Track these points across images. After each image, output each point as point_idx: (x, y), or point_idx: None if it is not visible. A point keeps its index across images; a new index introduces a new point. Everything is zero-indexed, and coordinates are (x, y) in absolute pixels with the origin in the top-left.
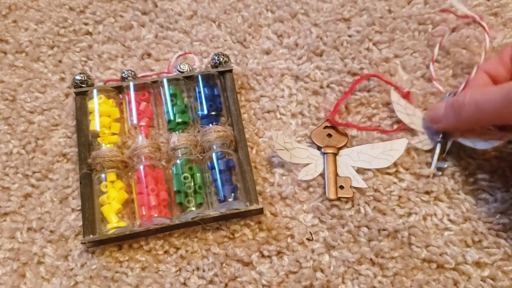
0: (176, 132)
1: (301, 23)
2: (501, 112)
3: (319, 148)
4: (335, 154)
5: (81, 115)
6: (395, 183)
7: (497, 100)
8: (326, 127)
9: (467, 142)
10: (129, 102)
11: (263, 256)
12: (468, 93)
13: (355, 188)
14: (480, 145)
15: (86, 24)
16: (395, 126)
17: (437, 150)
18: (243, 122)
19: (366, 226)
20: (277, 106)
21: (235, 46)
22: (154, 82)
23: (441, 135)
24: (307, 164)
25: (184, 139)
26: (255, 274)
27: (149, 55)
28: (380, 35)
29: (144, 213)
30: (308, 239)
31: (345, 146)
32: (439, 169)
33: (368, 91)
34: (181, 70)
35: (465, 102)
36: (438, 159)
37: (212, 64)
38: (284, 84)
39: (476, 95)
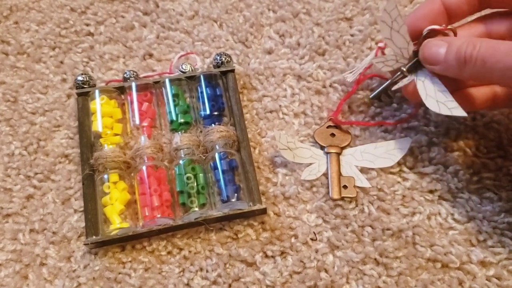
0: (179, 132)
1: (303, 22)
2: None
3: (322, 147)
4: (338, 154)
5: (83, 116)
6: (399, 182)
7: (508, 62)
8: (329, 126)
9: (422, 92)
10: (131, 102)
11: (266, 256)
12: (476, 46)
13: (359, 187)
14: (429, 102)
15: (87, 25)
16: (398, 126)
17: (394, 77)
18: (246, 122)
19: (370, 226)
20: (280, 105)
21: (237, 46)
22: (156, 82)
23: (406, 67)
24: (310, 164)
25: (186, 139)
26: (259, 274)
27: (150, 55)
28: None
29: (147, 213)
30: (312, 239)
31: (348, 145)
32: (376, 98)
33: (371, 90)
34: (183, 70)
35: (472, 57)
36: (386, 89)
37: (214, 64)
38: (286, 83)
39: (484, 51)
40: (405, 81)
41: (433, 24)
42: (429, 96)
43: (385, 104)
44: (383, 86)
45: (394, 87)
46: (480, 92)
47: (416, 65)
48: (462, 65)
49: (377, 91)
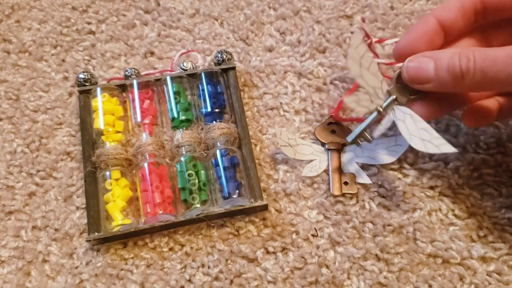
0: (180, 129)
1: (303, 20)
2: None
3: (323, 144)
4: (339, 150)
5: (85, 113)
6: (399, 178)
7: (509, 69)
8: (330, 123)
9: (405, 133)
10: (133, 100)
11: (268, 252)
12: (471, 57)
13: (360, 184)
14: (415, 142)
15: (89, 23)
16: None
17: (370, 118)
18: (247, 119)
19: (371, 222)
20: (281, 103)
21: (238, 44)
22: (158, 80)
23: (382, 106)
24: (311, 161)
25: (188, 136)
26: (260, 270)
27: (152, 53)
28: (383, 32)
29: (148, 210)
30: (313, 235)
31: (349, 143)
32: (354, 142)
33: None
34: (184, 68)
35: (469, 70)
36: (363, 131)
37: (215, 62)
38: (287, 81)
39: (482, 62)
40: (384, 123)
41: (429, 45)
42: (413, 136)
43: (374, 144)
44: (360, 128)
45: (376, 133)
46: (491, 103)
47: (393, 103)
48: (458, 80)
49: (353, 134)
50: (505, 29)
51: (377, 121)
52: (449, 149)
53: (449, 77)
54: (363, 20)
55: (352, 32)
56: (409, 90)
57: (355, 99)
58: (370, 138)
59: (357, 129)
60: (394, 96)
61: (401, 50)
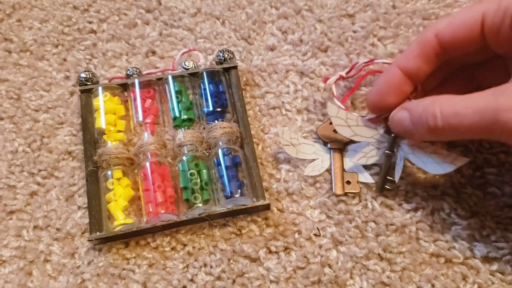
0: (182, 129)
1: (305, 19)
2: (485, 134)
3: (325, 143)
4: (341, 150)
5: (86, 112)
6: (402, 177)
7: (478, 124)
8: (332, 122)
9: (419, 163)
10: (135, 99)
11: (270, 252)
12: (438, 114)
13: (362, 183)
14: (431, 168)
15: (90, 22)
16: None
17: (385, 165)
18: (249, 119)
19: (374, 221)
20: (283, 102)
21: (240, 43)
22: (159, 79)
23: (388, 149)
24: (314, 160)
25: (189, 135)
26: (263, 270)
27: (153, 52)
28: (385, 31)
29: (150, 209)
30: (315, 234)
31: (351, 141)
32: (382, 189)
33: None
34: (186, 67)
35: (438, 126)
36: (386, 176)
37: (217, 61)
38: (289, 80)
39: (451, 118)
40: (399, 162)
41: (399, 95)
42: (428, 163)
43: (393, 189)
44: (382, 175)
45: (397, 176)
46: None
47: (397, 141)
48: (432, 134)
49: (379, 183)
50: (471, 58)
51: (391, 161)
52: (462, 161)
53: (424, 131)
54: (325, 81)
55: (354, 31)
56: None
57: (361, 155)
58: (395, 180)
59: (380, 179)
60: (393, 135)
61: (373, 103)
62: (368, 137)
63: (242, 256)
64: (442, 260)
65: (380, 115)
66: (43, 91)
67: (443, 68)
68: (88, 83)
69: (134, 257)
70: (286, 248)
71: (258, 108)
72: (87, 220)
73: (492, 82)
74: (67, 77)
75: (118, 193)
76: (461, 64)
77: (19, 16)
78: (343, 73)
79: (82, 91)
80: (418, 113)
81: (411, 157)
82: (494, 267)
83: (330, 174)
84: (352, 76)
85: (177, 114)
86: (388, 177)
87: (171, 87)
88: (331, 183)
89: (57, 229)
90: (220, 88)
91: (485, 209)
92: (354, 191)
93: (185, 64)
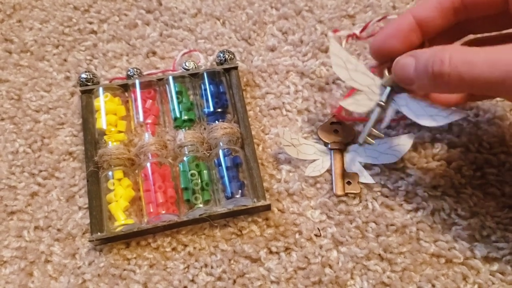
0: (183, 129)
1: (305, 20)
2: (492, 89)
3: (325, 144)
4: (342, 150)
5: (87, 113)
6: (402, 178)
7: (487, 76)
8: (332, 123)
9: (411, 115)
10: (135, 100)
11: (271, 252)
12: (447, 60)
13: (363, 183)
14: (424, 121)
15: (90, 23)
16: (401, 122)
17: (375, 115)
18: (249, 119)
19: (374, 222)
20: (283, 102)
21: (240, 44)
22: (160, 80)
23: (381, 100)
24: (314, 160)
25: (190, 136)
26: (264, 270)
27: (154, 53)
28: None
29: (151, 210)
30: (316, 235)
31: (351, 142)
32: (364, 142)
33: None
34: (187, 67)
35: (445, 72)
36: (373, 126)
37: (217, 61)
38: (289, 80)
39: (460, 66)
40: (389, 114)
41: (405, 43)
42: (420, 115)
43: (376, 143)
44: (367, 128)
45: (383, 125)
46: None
47: (392, 94)
48: (433, 82)
49: (363, 135)
50: (488, 26)
51: (381, 115)
52: (459, 115)
53: (426, 79)
54: (335, 32)
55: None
56: None
57: (352, 101)
58: (382, 134)
59: (365, 130)
60: (391, 87)
61: (377, 48)
62: (363, 85)
63: (243, 257)
64: (443, 260)
65: (381, 62)
66: (43, 92)
67: (456, 33)
68: (89, 83)
69: (135, 258)
70: (286, 249)
71: (259, 108)
72: (88, 221)
73: None
74: (67, 78)
75: (119, 193)
76: (475, 32)
77: (19, 16)
78: (357, 32)
79: (82, 92)
80: (424, 58)
81: (404, 109)
82: (495, 267)
83: (331, 174)
84: (365, 38)
85: (178, 115)
86: (373, 130)
87: (172, 88)
88: (332, 183)
89: (58, 230)
90: (221, 88)
91: (485, 210)
92: (355, 192)
93: (185, 65)
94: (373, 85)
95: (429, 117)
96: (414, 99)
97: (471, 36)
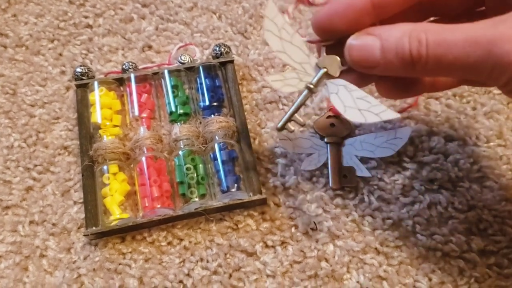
0: (178, 123)
1: (302, 13)
2: (473, 71)
3: (322, 138)
4: (338, 144)
5: (82, 107)
6: (399, 171)
7: (468, 56)
8: (329, 116)
9: (340, 106)
10: (130, 94)
11: (267, 246)
12: (423, 41)
13: (359, 177)
14: (351, 114)
15: (86, 17)
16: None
17: (301, 98)
18: (245, 113)
19: (371, 215)
20: (279, 96)
21: (236, 37)
22: (155, 73)
23: (312, 82)
24: (310, 154)
25: (186, 130)
26: (259, 264)
27: (149, 47)
28: None
29: (147, 204)
30: (312, 228)
31: (348, 135)
32: (284, 128)
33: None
34: (182, 61)
35: (421, 55)
36: (294, 114)
37: (213, 55)
38: None
39: (436, 47)
40: (317, 100)
41: (354, 24)
42: (348, 108)
43: (296, 130)
44: (289, 112)
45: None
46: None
47: (324, 77)
48: (409, 65)
49: (283, 120)
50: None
51: (306, 99)
52: (391, 115)
53: (398, 62)
54: None
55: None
56: (341, 60)
57: (279, 78)
58: (304, 122)
59: (284, 116)
60: (325, 69)
61: (320, 24)
62: (296, 62)
63: (239, 251)
64: (439, 254)
65: (322, 40)
66: (38, 86)
67: (414, 13)
68: (84, 77)
69: (130, 252)
70: (282, 243)
71: (255, 102)
72: (83, 215)
73: None
74: (63, 72)
75: (114, 188)
76: (436, 13)
77: (14, 11)
78: None
79: (78, 86)
80: (393, 37)
81: (333, 97)
82: (491, 260)
83: (327, 168)
84: (320, 4)
85: (173, 109)
86: (296, 115)
87: (167, 82)
88: (328, 177)
89: (53, 224)
90: (217, 82)
91: (482, 203)
92: (351, 185)
93: (181, 59)
94: (307, 64)
95: (358, 112)
96: (347, 88)
97: (432, 19)
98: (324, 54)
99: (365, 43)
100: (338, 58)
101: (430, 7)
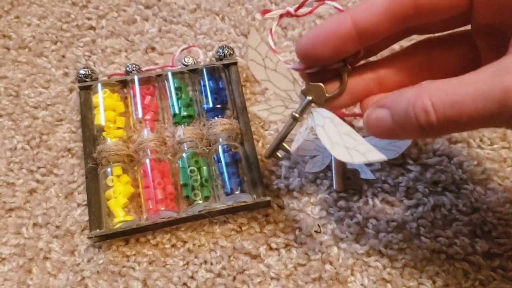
0: (182, 125)
1: (299, 20)
2: (490, 123)
3: None
4: None
5: (86, 109)
6: (403, 174)
7: (479, 114)
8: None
9: (326, 140)
10: (134, 96)
11: (271, 248)
12: (429, 106)
13: (363, 179)
14: (337, 151)
15: (89, 19)
16: None
17: (285, 127)
18: (249, 115)
19: (375, 218)
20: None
21: (239, 39)
22: (159, 75)
23: (297, 111)
24: (314, 156)
25: (189, 132)
26: (263, 267)
27: (153, 49)
28: None
29: (150, 206)
30: (316, 231)
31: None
32: (271, 156)
33: None
34: (186, 63)
35: (432, 122)
36: (280, 142)
37: (217, 57)
38: None
39: (447, 109)
40: (303, 132)
41: (338, 51)
42: (335, 144)
43: (285, 158)
44: (277, 139)
45: (294, 145)
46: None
47: (309, 106)
48: (423, 133)
49: (271, 147)
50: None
51: (292, 128)
52: (377, 157)
53: (412, 131)
54: (263, 13)
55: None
56: (326, 87)
57: (265, 107)
58: (290, 149)
59: (272, 143)
60: (310, 97)
61: (304, 52)
62: (281, 89)
63: (243, 253)
64: (443, 256)
65: (306, 67)
66: (42, 88)
67: (399, 35)
68: (87, 79)
69: (134, 254)
70: (286, 245)
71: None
72: (86, 218)
73: (452, 65)
74: (66, 74)
75: (118, 190)
76: (423, 32)
77: (17, 12)
78: (292, 9)
79: (81, 88)
80: (401, 109)
81: (319, 130)
82: (496, 263)
83: (331, 170)
84: (302, 15)
85: (177, 111)
86: (283, 144)
87: (171, 84)
88: (332, 179)
89: (57, 227)
90: (220, 84)
91: (487, 205)
92: (355, 188)
93: (184, 61)
94: (292, 91)
95: (345, 149)
96: (333, 121)
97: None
98: (309, 81)
99: (380, 116)
100: (323, 86)
101: (414, 31)
